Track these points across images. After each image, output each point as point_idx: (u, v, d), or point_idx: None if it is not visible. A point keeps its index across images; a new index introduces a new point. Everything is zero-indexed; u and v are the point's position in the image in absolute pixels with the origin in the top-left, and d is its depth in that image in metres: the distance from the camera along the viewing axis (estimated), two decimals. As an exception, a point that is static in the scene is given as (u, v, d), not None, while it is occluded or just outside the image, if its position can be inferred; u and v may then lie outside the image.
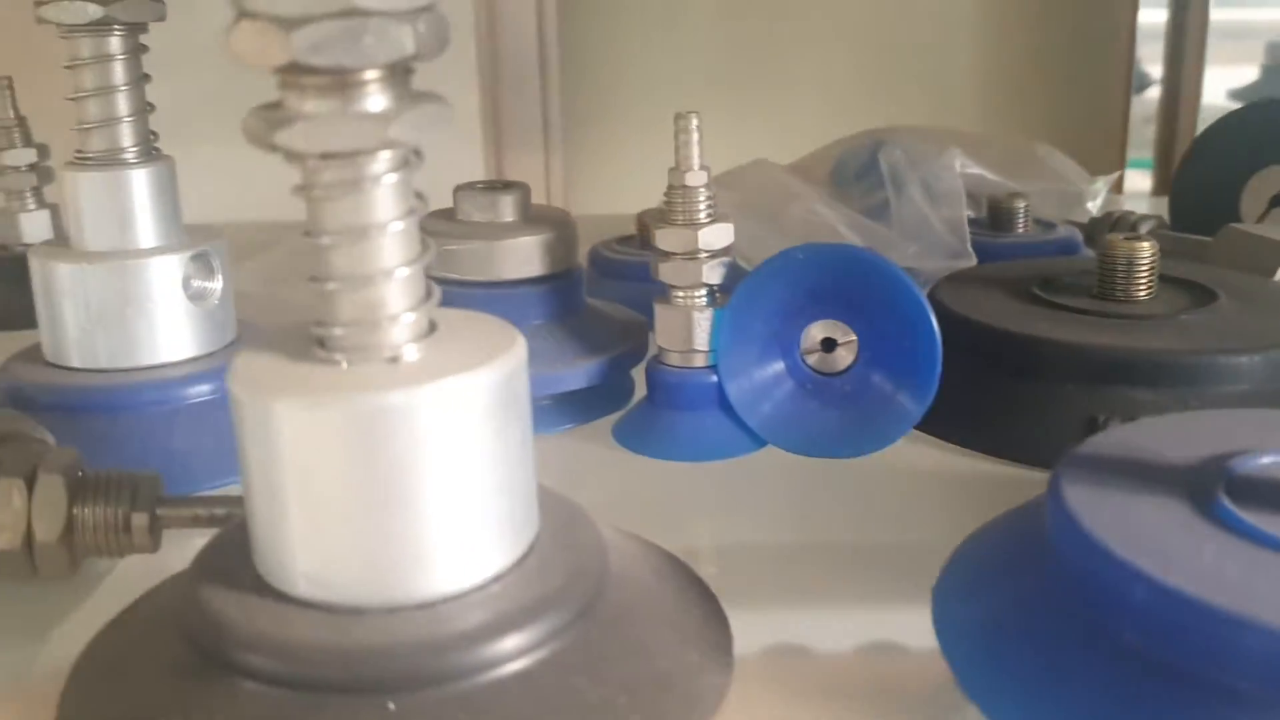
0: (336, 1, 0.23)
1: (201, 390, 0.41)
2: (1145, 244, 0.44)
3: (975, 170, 0.61)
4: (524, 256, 0.43)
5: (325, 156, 0.24)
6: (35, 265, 0.42)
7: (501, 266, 0.43)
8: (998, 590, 0.30)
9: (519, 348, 0.27)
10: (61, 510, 0.32)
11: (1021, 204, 0.60)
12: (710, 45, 1.06)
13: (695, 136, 0.40)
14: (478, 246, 0.43)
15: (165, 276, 0.41)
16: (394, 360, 0.26)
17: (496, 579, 0.26)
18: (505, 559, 0.27)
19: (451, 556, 0.26)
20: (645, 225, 0.60)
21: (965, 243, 0.55)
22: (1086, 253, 0.60)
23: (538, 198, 0.46)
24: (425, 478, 0.25)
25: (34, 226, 0.60)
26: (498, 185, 0.45)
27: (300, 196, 0.25)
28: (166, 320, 0.41)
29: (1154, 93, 1.00)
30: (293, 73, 0.23)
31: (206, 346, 0.42)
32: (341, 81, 0.24)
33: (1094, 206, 0.68)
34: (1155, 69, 1.00)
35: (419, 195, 0.26)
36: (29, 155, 0.59)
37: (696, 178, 0.40)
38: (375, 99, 0.24)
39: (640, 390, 0.45)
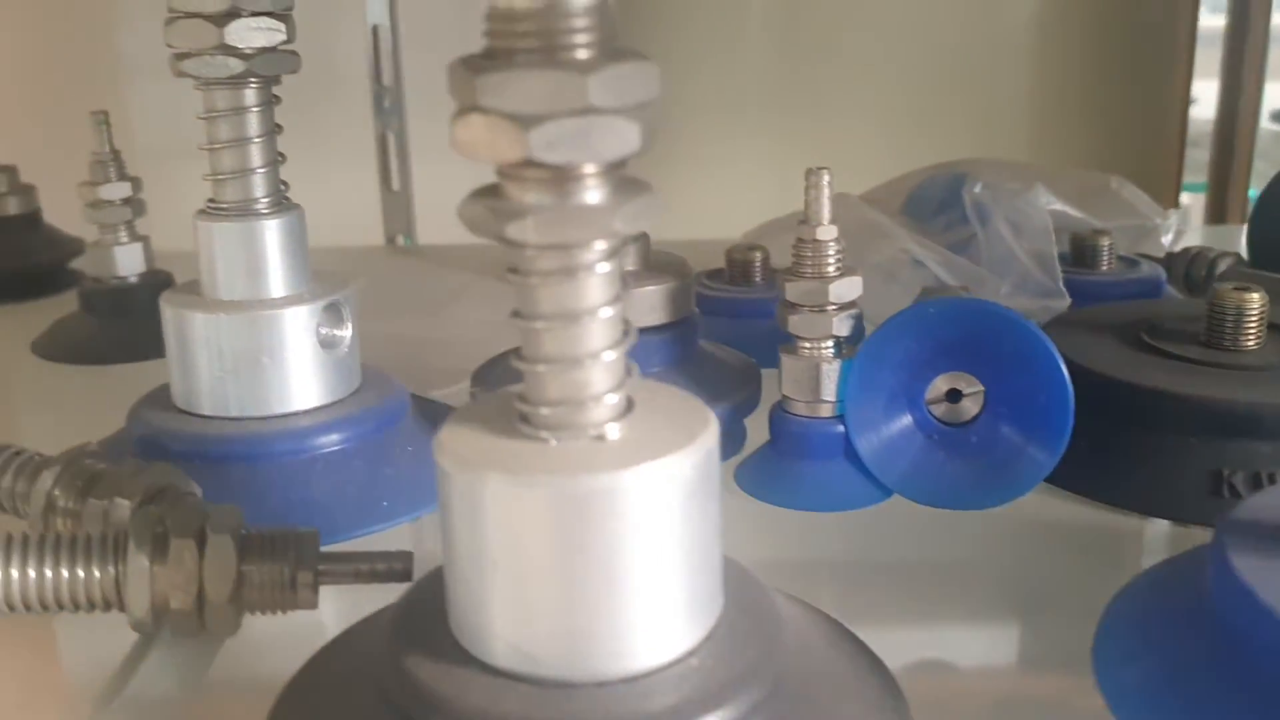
0: (572, 100, 0.23)
1: (333, 439, 0.41)
2: (1255, 294, 0.45)
3: (1058, 206, 0.62)
4: (648, 305, 0.44)
5: (549, 247, 0.25)
6: (169, 314, 0.42)
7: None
8: (1161, 653, 0.31)
9: (713, 425, 0.27)
10: (232, 570, 0.32)
11: (1106, 241, 0.61)
12: (762, 74, 1.07)
13: (826, 192, 0.40)
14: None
15: (299, 326, 0.42)
16: (599, 439, 0.26)
17: (692, 653, 0.27)
18: (700, 631, 0.27)
19: (653, 631, 0.26)
20: (735, 261, 0.61)
21: (1058, 281, 0.55)
22: (1170, 291, 0.61)
23: None
24: (631, 554, 0.26)
25: (128, 260, 0.61)
26: (621, 233, 0.45)
27: (511, 280, 0.26)
28: (298, 369, 0.42)
29: (1206, 113, 1.00)
30: (519, 166, 0.24)
31: (335, 394, 0.43)
32: (565, 174, 0.24)
33: (1167, 240, 0.69)
34: (1208, 88, 1.00)
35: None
36: (124, 189, 0.60)
37: (827, 232, 0.40)
38: (596, 191, 0.25)
39: (752, 436, 0.45)
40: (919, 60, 1.06)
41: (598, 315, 0.26)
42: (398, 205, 0.84)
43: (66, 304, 0.71)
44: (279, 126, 0.42)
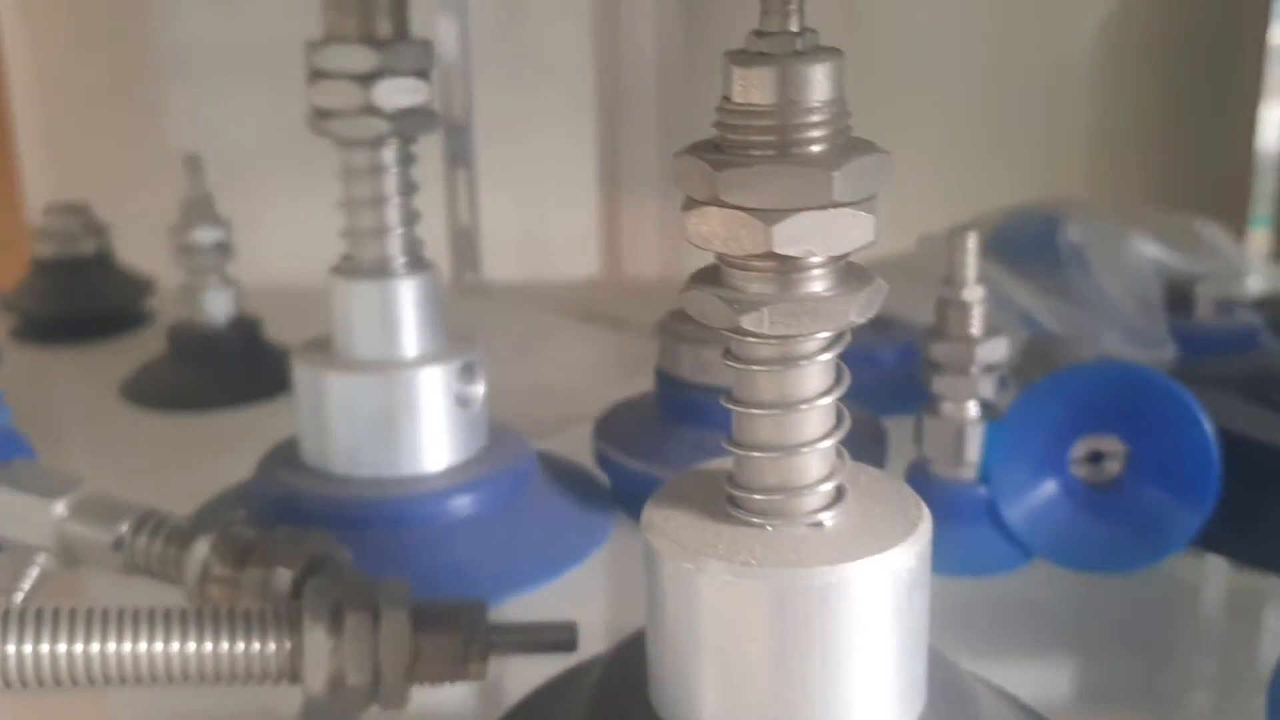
0: (816, 196, 0.23)
1: (472, 500, 0.41)
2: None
3: (1155, 251, 0.62)
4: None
5: (780, 338, 0.25)
6: (304, 373, 0.42)
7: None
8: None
9: (927, 514, 0.27)
10: (406, 644, 0.32)
11: (1204, 288, 0.60)
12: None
13: (971, 255, 0.40)
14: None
15: (437, 385, 0.42)
16: (816, 526, 0.26)
17: (903, 742, 0.27)
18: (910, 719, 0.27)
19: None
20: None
21: (1163, 330, 0.55)
22: (1267, 340, 0.61)
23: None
24: (849, 645, 0.25)
25: (219, 305, 0.60)
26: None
27: (728, 365, 0.26)
28: (436, 428, 0.42)
29: (1271, 140, 0.99)
30: (754, 258, 0.24)
31: (468, 452, 0.43)
32: (796, 265, 0.24)
33: (1252, 284, 0.69)
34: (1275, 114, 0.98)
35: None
36: (216, 234, 0.60)
37: (972, 293, 0.40)
38: (823, 280, 0.24)
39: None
40: (976, 91, 1.06)
41: (817, 404, 0.26)
42: (465, 242, 0.84)
43: (142, 344, 0.71)
44: (415, 185, 0.42)
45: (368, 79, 0.39)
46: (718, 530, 0.26)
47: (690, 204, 0.24)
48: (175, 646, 0.31)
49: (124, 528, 0.37)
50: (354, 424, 0.42)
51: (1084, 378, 0.39)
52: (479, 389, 0.43)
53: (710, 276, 0.25)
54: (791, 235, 0.23)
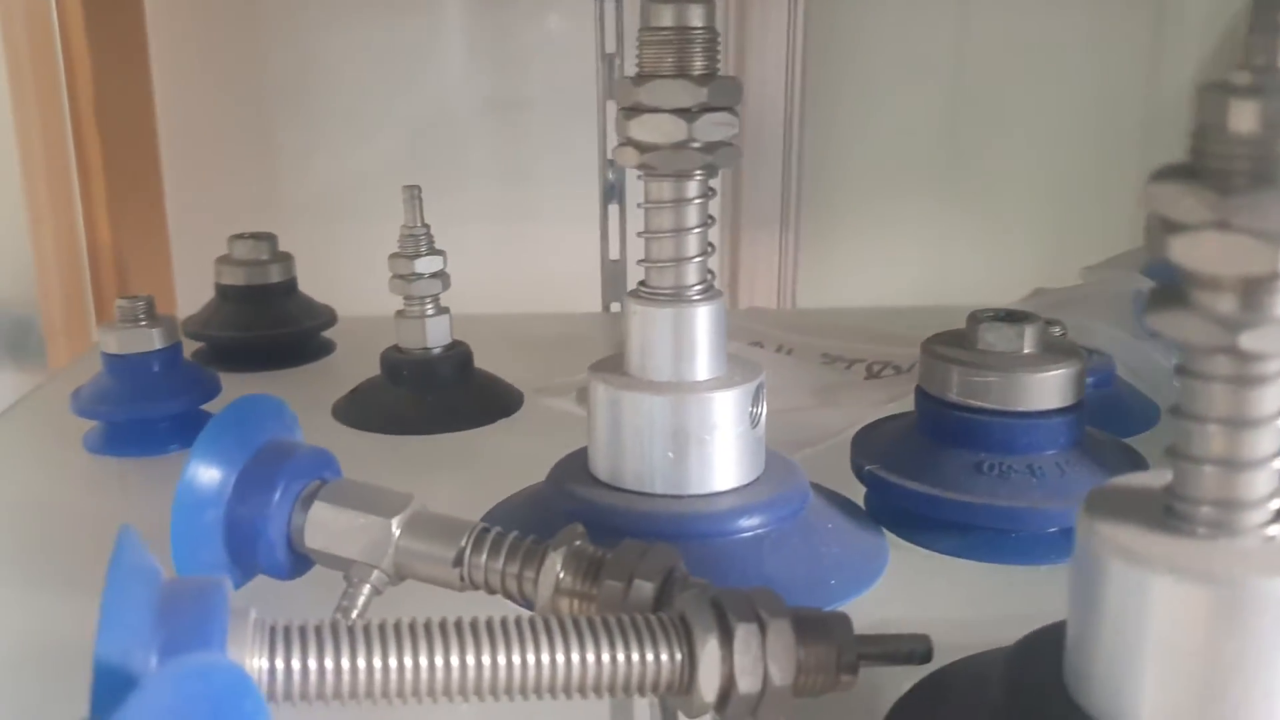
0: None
1: (770, 518, 0.42)
2: None
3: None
4: (1052, 389, 0.45)
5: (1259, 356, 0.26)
6: (602, 392, 0.44)
7: (1027, 398, 0.45)
8: None
9: None
10: (793, 654, 0.33)
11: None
12: (929, 137, 1.09)
13: None
14: (1013, 378, 0.45)
15: (734, 407, 0.43)
16: (1269, 540, 0.27)
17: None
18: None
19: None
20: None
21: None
22: None
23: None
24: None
25: (437, 332, 0.62)
26: (1016, 315, 0.47)
27: (1181, 380, 0.27)
28: (731, 449, 0.43)
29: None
30: (1258, 280, 0.25)
31: (755, 474, 0.44)
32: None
33: None
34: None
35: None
36: (435, 263, 0.61)
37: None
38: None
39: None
40: (1079, 135, 1.08)
41: (1275, 423, 0.27)
42: (615, 273, 0.86)
43: (331, 371, 0.72)
44: (712, 218, 0.44)
45: (691, 114, 0.40)
46: (1164, 540, 0.27)
47: (1173, 227, 0.25)
48: (563, 657, 0.32)
49: (463, 543, 0.38)
50: (650, 442, 0.43)
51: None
52: (763, 412, 0.44)
53: (1172, 297, 0.26)
54: (1294, 255, 0.24)
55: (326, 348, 0.76)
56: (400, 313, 0.63)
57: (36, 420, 0.66)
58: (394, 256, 0.62)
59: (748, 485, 0.44)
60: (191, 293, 0.89)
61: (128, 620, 0.28)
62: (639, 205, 0.43)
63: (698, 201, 0.43)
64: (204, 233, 0.84)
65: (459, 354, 0.63)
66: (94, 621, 0.27)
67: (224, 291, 0.73)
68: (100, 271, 0.87)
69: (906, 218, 1.09)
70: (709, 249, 0.44)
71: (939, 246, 1.11)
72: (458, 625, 0.32)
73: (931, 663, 0.35)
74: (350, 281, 0.76)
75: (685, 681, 0.33)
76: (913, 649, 0.35)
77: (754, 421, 0.44)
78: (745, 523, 0.42)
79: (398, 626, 0.32)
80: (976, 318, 0.47)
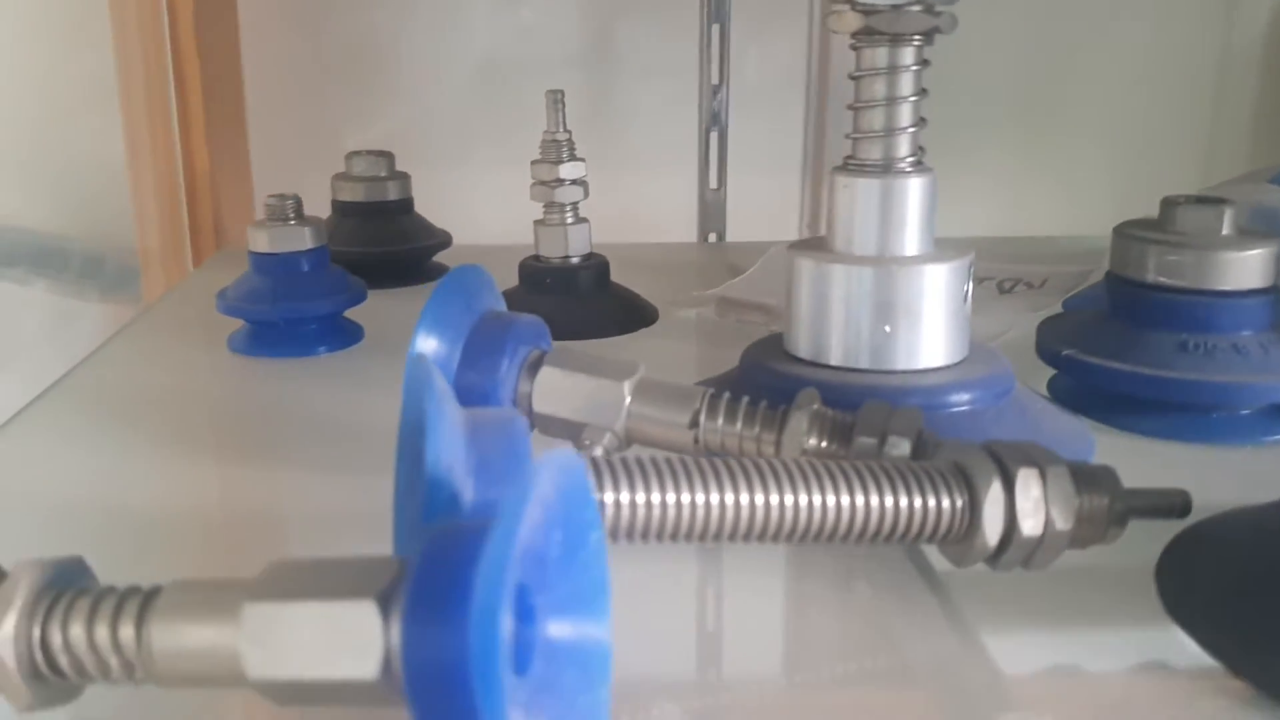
0: None
1: (988, 394, 0.42)
2: None
3: None
4: (1255, 268, 0.44)
5: None
6: (805, 266, 0.43)
7: (1230, 277, 0.44)
8: None
9: None
10: (1073, 500, 0.32)
11: None
12: (1007, 78, 1.08)
13: None
14: (1215, 257, 0.44)
15: (948, 282, 0.42)
16: None
17: None
18: None
19: None
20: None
21: None
22: None
23: None
24: None
25: (578, 240, 0.61)
26: (1210, 199, 0.46)
27: None
28: (943, 325, 0.42)
29: None
30: None
31: (963, 354, 0.43)
32: None
33: None
34: None
35: None
36: (579, 169, 0.61)
37: None
38: None
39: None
40: (1156, 73, 1.08)
41: None
42: (714, 205, 0.85)
43: (422, 299, 0.71)
44: (925, 90, 0.43)
45: (916, -25, 0.40)
46: None
47: None
48: (862, 500, 0.32)
49: (697, 406, 0.38)
50: (857, 317, 0.42)
51: None
52: (971, 290, 0.43)
53: None
54: None
55: (440, 270, 0.75)
56: (540, 221, 0.62)
57: (176, 323, 0.66)
58: (536, 163, 0.61)
59: (956, 364, 0.43)
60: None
61: (449, 441, 0.28)
62: (850, 75, 0.43)
63: (913, 69, 0.42)
64: (282, 169, 0.83)
65: (598, 264, 0.62)
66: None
67: (341, 208, 0.72)
68: (196, 202, 0.86)
69: (984, 155, 1.08)
70: (921, 122, 0.43)
71: (1014, 184, 1.10)
72: (773, 467, 0.32)
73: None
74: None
75: (967, 527, 0.32)
76: (1173, 502, 0.35)
77: (966, 299, 0.43)
78: (960, 397, 0.41)
79: (701, 463, 0.31)
80: (1171, 202, 0.46)
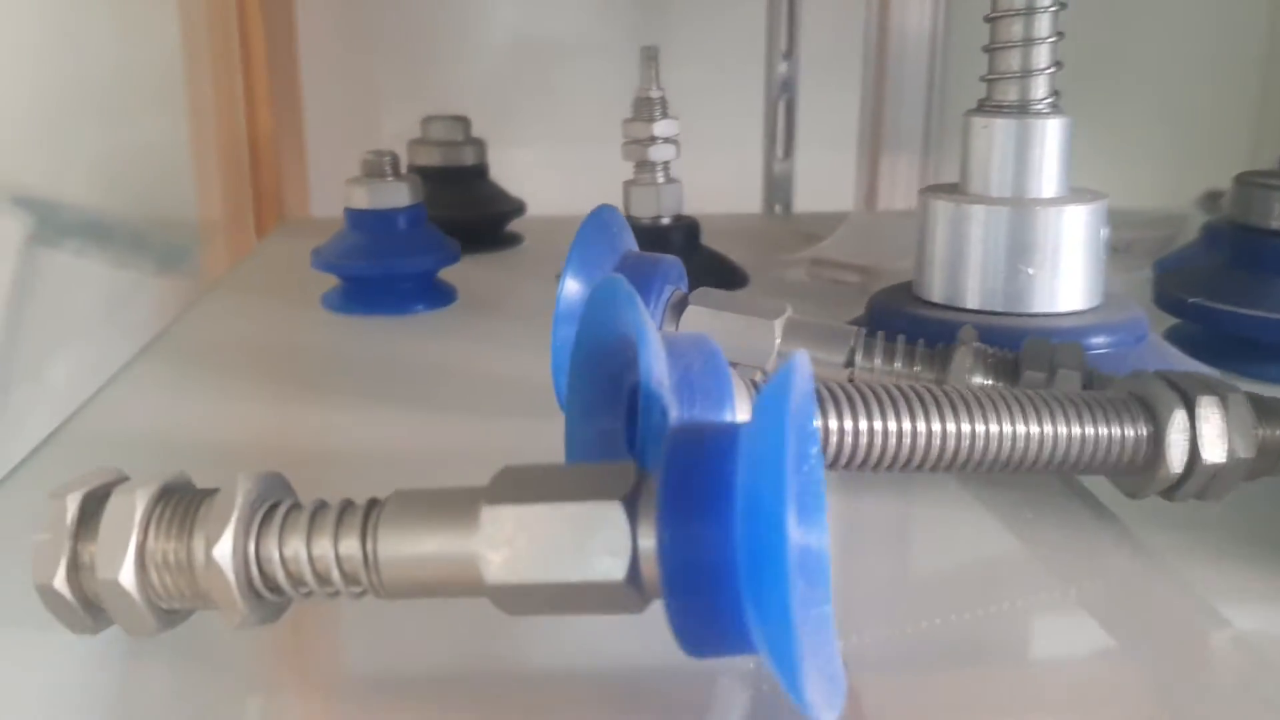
0: None
1: (1105, 341, 0.41)
2: None
3: None
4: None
5: None
6: (941, 209, 0.42)
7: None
8: None
9: None
10: (1252, 430, 0.32)
11: None
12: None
13: None
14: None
15: (1086, 224, 0.42)
16: None
17: None
18: None
19: None
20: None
21: None
22: None
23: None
24: None
25: (670, 199, 0.61)
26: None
27: None
28: (1074, 267, 0.42)
29: None
30: None
31: (1097, 297, 0.43)
32: None
33: None
34: None
35: None
36: (673, 127, 0.60)
37: None
38: None
39: None
40: (1203, 55, 1.07)
41: None
42: (782, 176, 0.85)
43: (523, 258, 0.71)
44: (1061, 33, 0.42)
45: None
46: None
47: None
48: (1050, 429, 0.31)
49: (851, 344, 0.37)
50: (995, 259, 0.42)
51: None
52: (1108, 234, 0.43)
53: None
54: None
55: (515, 239, 0.74)
56: (631, 181, 0.61)
57: (262, 285, 0.65)
58: (629, 121, 0.60)
59: (1093, 309, 0.43)
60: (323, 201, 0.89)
61: (659, 356, 0.27)
62: (985, 18, 0.42)
63: (1050, 10, 0.42)
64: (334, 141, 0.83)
65: (688, 225, 0.62)
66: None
67: (418, 173, 0.71)
68: (259, 173, 0.86)
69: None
70: (1058, 65, 0.43)
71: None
72: (977, 397, 0.31)
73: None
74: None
75: (1148, 456, 0.32)
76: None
77: (1104, 242, 0.43)
78: (1100, 340, 0.41)
79: (907, 391, 0.31)
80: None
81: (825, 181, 0.99)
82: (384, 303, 0.56)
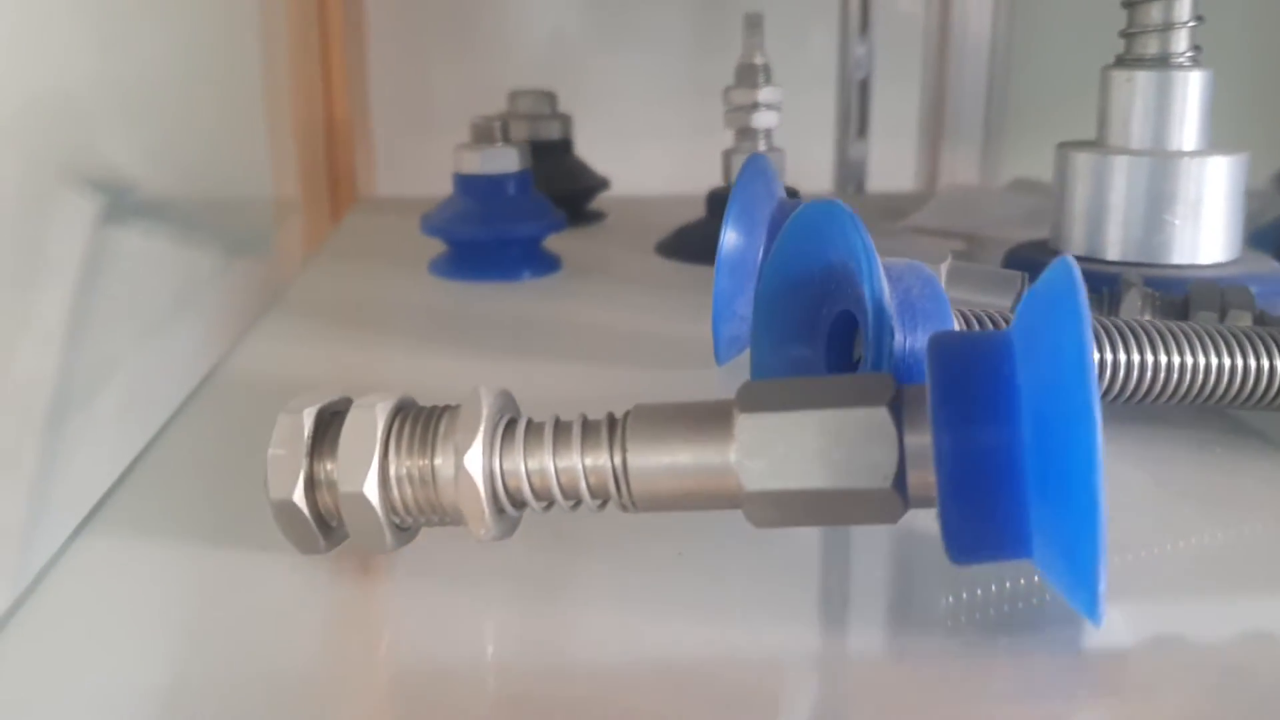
0: None
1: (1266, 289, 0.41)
2: None
3: None
4: None
5: None
6: (1081, 161, 0.43)
7: None
8: None
9: None
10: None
11: None
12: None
13: None
14: None
15: (1224, 176, 0.42)
16: None
17: None
18: None
19: None
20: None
21: None
22: None
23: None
24: None
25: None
26: None
27: None
28: (1216, 220, 0.42)
29: None
30: None
31: (1236, 250, 0.43)
32: None
33: None
34: None
35: None
36: (777, 94, 0.60)
37: None
38: None
39: None
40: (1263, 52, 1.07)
41: None
42: (856, 156, 0.85)
43: (608, 233, 0.71)
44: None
45: None
46: None
47: None
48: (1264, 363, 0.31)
49: (1019, 288, 0.37)
50: (1137, 210, 0.42)
51: None
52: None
53: None
54: None
55: (597, 216, 0.74)
56: (732, 150, 0.61)
57: (365, 254, 0.66)
58: (729, 89, 0.61)
59: (1231, 262, 0.43)
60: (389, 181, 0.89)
61: (881, 280, 0.27)
62: (1129, -30, 0.42)
63: (1196, -36, 0.42)
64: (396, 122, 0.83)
65: (790, 195, 0.62)
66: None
67: (503, 146, 0.72)
68: (334, 153, 0.86)
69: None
70: (1199, 19, 0.43)
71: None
72: (1197, 332, 0.32)
73: None
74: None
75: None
76: None
77: (1244, 194, 0.43)
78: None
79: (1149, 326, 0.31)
80: None
81: (889, 166, 0.99)
82: (494, 269, 0.56)
